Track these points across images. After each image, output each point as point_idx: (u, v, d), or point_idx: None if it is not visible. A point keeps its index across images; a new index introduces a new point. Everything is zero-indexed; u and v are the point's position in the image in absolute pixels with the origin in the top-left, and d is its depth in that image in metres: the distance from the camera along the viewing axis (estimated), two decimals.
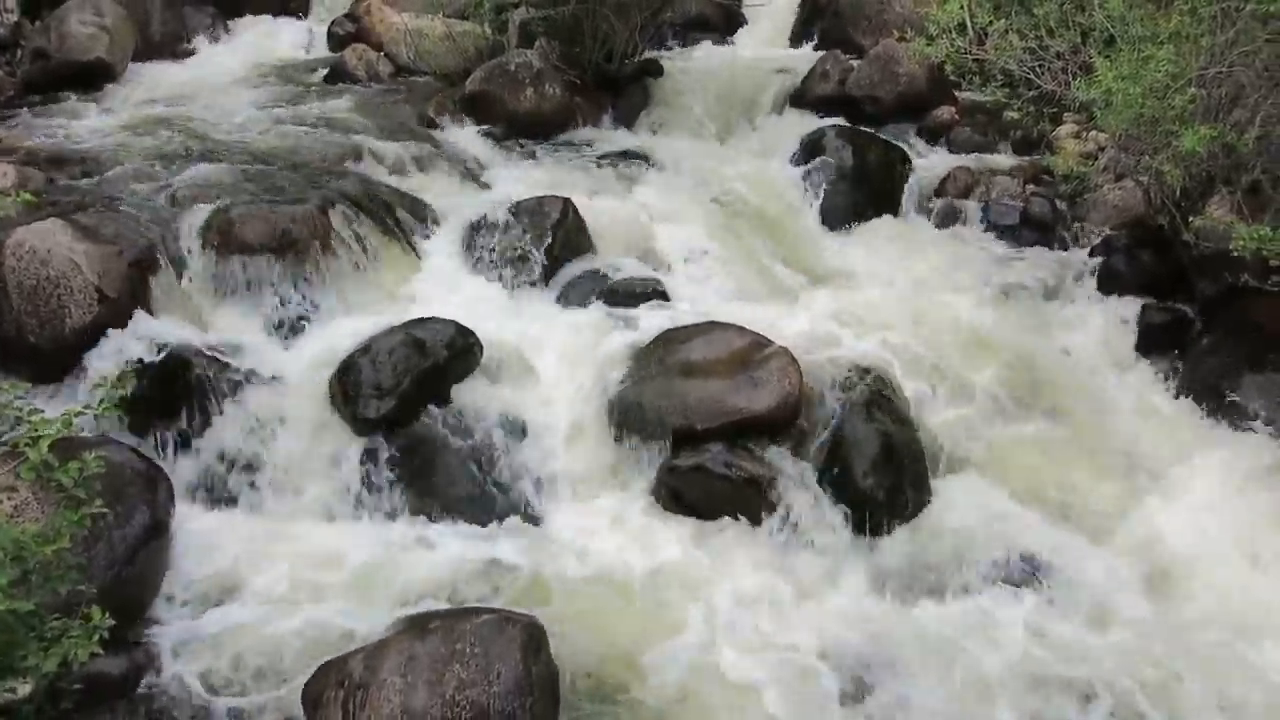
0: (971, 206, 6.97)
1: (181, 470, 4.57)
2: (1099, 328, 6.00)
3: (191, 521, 4.37)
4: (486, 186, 6.67)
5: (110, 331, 4.80)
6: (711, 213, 6.59)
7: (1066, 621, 4.08)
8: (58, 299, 4.77)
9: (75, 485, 2.53)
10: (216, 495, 4.58)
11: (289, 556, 4.29)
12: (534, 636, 3.52)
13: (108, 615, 2.40)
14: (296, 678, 3.64)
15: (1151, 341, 5.85)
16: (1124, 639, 3.98)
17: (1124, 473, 4.91)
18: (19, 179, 5.67)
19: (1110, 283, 6.16)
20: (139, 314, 4.91)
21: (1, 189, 5.60)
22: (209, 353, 4.82)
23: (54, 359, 4.77)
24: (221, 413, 4.71)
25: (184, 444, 4.66)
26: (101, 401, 2.75)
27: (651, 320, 5.42)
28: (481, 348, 5.01)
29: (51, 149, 6.26)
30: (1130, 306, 6.00)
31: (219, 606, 4.06)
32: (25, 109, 7.19)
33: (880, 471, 4.62)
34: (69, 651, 2.27)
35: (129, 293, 4.93)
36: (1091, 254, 6.41)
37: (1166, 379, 5.67)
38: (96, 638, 2.33)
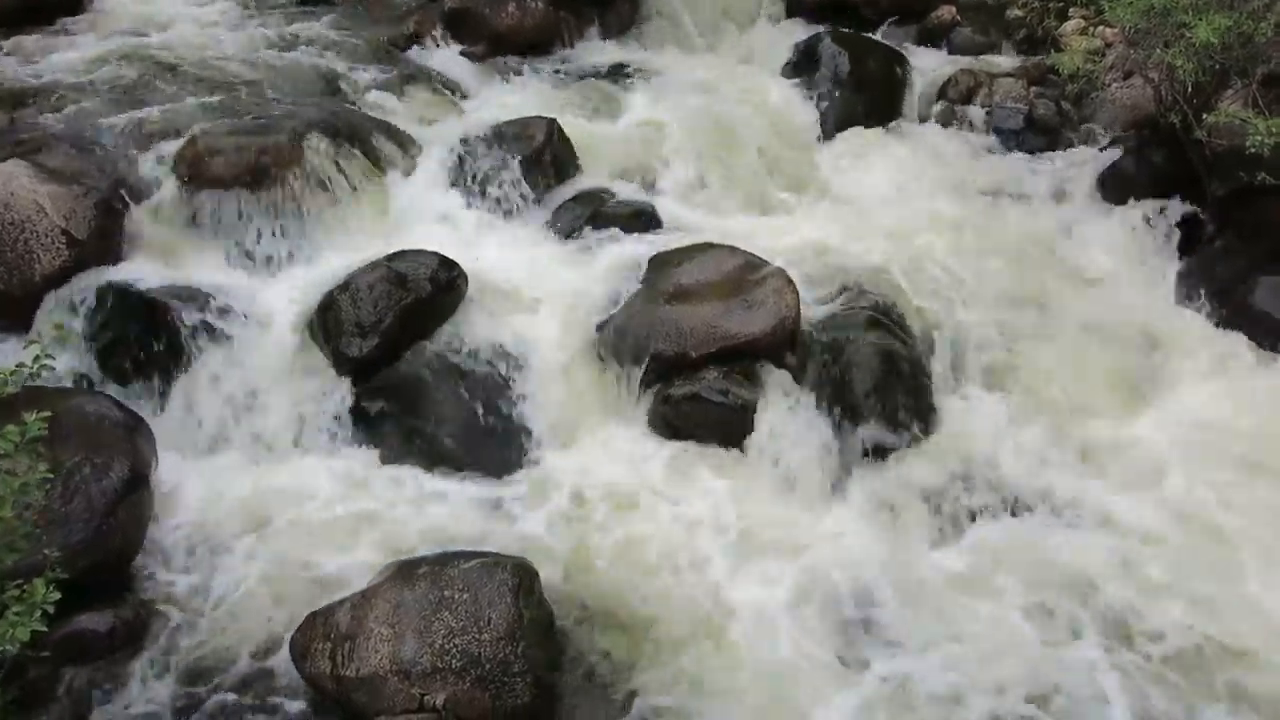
0: (974, 111, 6.72)
1: (161, 416, 4.46)
2: (1107, 233, 5.81)
3: (174, 469, 4.28)
4: (469, 109, 6.39)
5: (80, 275, 4.66)
6: (704, 128, 6.30)
7: (1067, 545, 3.97)
8: (24, 244, 4.61)
9: (16, 450, 2.39)
10: (198, 440, 4.47)
11: (274, 501, 4.21)
12: (524, 578, 3.42)
13: (51, 588, 2.25)
14: (285, 626, 3.57)
15: (1161, 245, 5.66)
16: (1119, 560, 3.88)
17: (1129, 384, 4.78)
18: None
19: (1119, 186, 5.93)
20: (110, 256, 4.76)
21: None
22: (183, 294, 4.67)
23: (25, 306, 4.64)
24: (199, 356, 4.57)
25: (163, 389, 4.54)
26: (36, 359, 2.59)
27: (642, 244, 5.24)
28: (466, 279, 4.83)
29: (14, 85, 5.97)
30: (1139, 210, 5.80)
31: (203, 555, 3.98)
32: None
33: (880, 392, 4.47)
34: (5, 632, 2.15)
35: (98, 234, 4.76)
36: (1099, 156, 6.16)
37: (1176, 284, 5.50)
38: (38, 614, 2.21)
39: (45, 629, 2.20)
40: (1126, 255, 5.73)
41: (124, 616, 3.64)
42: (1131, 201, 5.86)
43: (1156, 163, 5.92)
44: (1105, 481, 4.24)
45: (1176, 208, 5.76)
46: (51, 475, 2.63)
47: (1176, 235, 5.71)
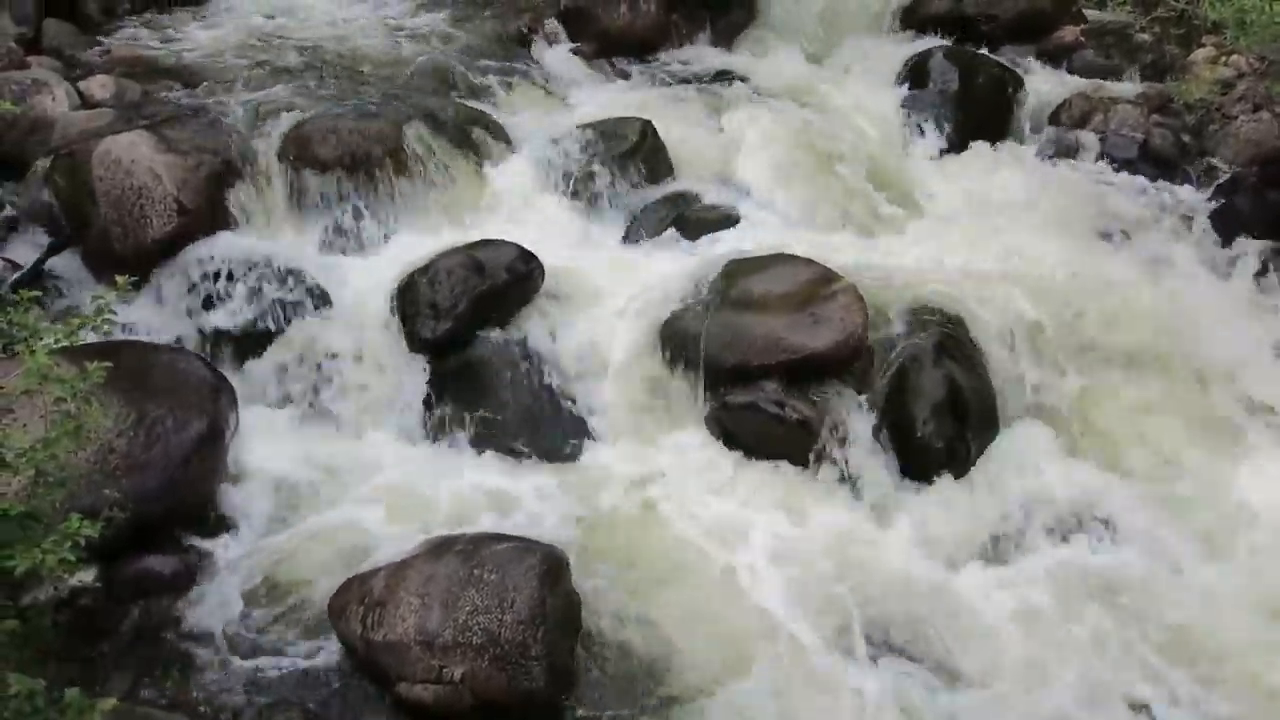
0: (1087, 136, 6.50)
1: (246, 379, 4.72)
2: (1213, 274, 5.54)
3: (253, 430, 4.51)
4: (571, 106, 6.52)
5: (187, 242, 4.96)
6: (803, 138, 6.26)
7: (1121, 593, 3.83)
8: (140, 209, 4.95)
9: (74, 396, 2.60)
10: (277, 406, 4.72)
11: (339, 469, 4.41)
12: (553, 567, 3.50)
13: (88, 523, 2.44)
14: (330, 586, 3.74)
15: (1270, 292, 5.36)
16: (1176, 617, 3.72)
17: (1215, 437, 4.55)
18: (117, 90, 5.85)
19: (1232, 224, 5.67)
20: (215, 226, 5.06)
21: (101, 100, 5.82)
22: (278, 267, 4.93)
23: (137, 268, 4.90)
24: (287, 326, 4.83)
25: (251, 354, 4.80)
26: (98, 311, 2.81)
27: (722, 250, 5.26)
28: (543, 272, 4.95)
29: (153, 61, 6.41)
30: (1251, 251, 5.51)
31: (268, 512, 4.21)
32: (137, 22, 7.37)
33: (941, 420, 4.39)
34: (36, 559, 2.35)
35: (207, 204, 5.07)
36: (1215, 192, 5.89)
37: None
38: (69, 545, 2.40)
39: (72, 559, 2.39)
40: (1232, 299, 5.45)
41: (188, 561, 3.90)
42: (1244, 241, 5.59)
43: (1275, 202, 5.63)
44: (1161, 532, 4.07)
45: None
46: (110, 424, 2.84)
47: None
